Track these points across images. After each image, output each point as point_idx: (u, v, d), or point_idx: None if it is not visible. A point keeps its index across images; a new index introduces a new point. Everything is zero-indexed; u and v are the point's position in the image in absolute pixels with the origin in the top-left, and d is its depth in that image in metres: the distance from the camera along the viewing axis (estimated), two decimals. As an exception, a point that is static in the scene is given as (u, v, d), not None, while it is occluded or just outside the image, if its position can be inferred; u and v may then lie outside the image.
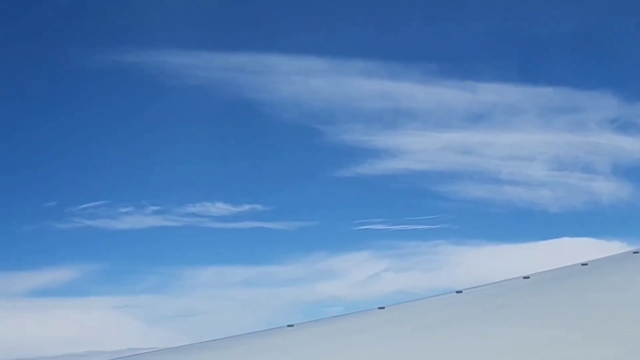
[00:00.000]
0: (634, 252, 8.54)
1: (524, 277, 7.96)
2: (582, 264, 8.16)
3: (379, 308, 7.60)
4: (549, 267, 8.68)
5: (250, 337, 7.10)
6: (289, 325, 7.30)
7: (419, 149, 30.33)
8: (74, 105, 32.74)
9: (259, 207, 31.34)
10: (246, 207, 31.07)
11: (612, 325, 5.34)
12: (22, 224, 33.47)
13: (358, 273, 31.12)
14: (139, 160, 31.83)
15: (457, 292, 7.84)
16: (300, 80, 30.73)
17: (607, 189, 28.90)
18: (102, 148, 32.35)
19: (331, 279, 31.18)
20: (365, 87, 30.55)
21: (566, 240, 28.51)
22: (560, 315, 5.99)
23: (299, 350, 6.07)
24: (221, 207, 30.96)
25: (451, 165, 31.08)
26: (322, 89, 30.50)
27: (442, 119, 30.28)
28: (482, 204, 31.80)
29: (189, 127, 32.60)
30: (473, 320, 6.58)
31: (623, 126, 28.72)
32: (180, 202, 32.13)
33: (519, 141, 29.56)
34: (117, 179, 32.94)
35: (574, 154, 29.67)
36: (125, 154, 31.88)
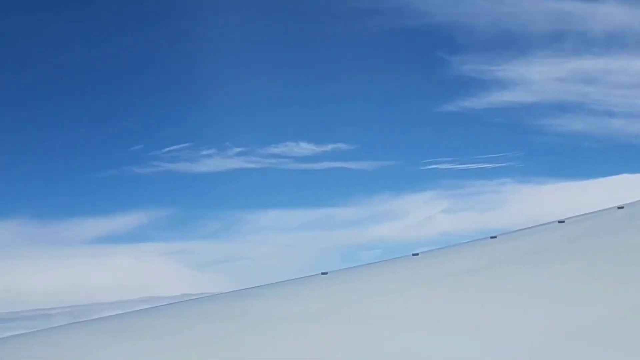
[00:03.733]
0: None
1: (559, 222, 7.89)
2: (619, 207, 8.04)
3: (413, 255, 7.62)
4: (608, 204, 8.50)
5: (283, 285, 7.20)
6: (323, 273, 7.38)
7: (540, 78, 29.07)
8: (166, 47, 32.12)
9: (342, 146, 30.73)
10: (330, 146, 30.48)
11: None
12: (105, 169, 33.73)
13: (416, 214, 30.83)
14: (227, 100, 31.10)
15: (492, 237, 7.81)
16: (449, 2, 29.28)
17: None
18: (193, 88, 31.68)
19: (388, 221, 30.93)
20: (519, 7, 29.03)
21: (625, 177, 27.71)
22: (594, 260, 5.94)
23: (332, 297, 6.14)
24: (305, 147, 30.40)
25: (565, 95, 29.79)
26: (471, 12, 29.11)
27: (580, 44, 28.64)
28: (578, 137, 30.67)
29: (285, 63, 31.54)
30: (506, 265, 6.58)
31: None
32: (264, 142, 31.66)
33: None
34: (204, 120, 32.35)
35: None
36: (215, 93, 31.15)
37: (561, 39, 29.48)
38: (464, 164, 30.84)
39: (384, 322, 4.77)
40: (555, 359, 3.57)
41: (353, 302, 5.70)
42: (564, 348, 3.68)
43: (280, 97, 31.56)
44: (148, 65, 32.68)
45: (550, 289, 5.18)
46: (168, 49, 32.31)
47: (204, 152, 30.70)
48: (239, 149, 30.60)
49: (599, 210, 8.38)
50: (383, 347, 4.02)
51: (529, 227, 8.45)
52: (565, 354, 3.61)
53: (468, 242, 8.40)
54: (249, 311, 5.85)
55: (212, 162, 30.64)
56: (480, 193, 31.01)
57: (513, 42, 29.98)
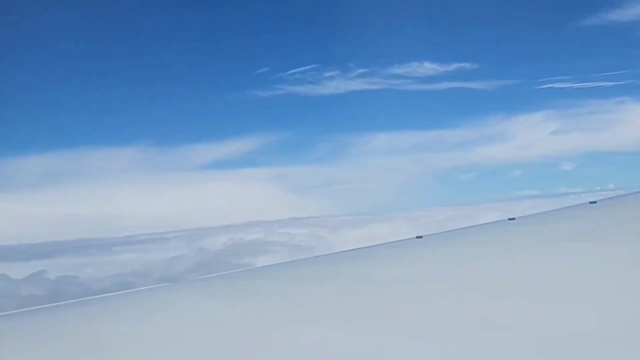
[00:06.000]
0: None
1: None
2: None
3: (509, 219, 7.55)
4: None
5: (376, 249, 7.24)
6: (417, 237, 7.40)
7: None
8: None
9: (467, 65, 30.11)
10: (454, 66, 29.93)
11: None
12: (229, 93, 34.30)
13: (524, 136, 30.21)
14: (353, 20, 30.59)
15: (591, 202, 7.66)
16: None
17: None
18: (320, 9, 31.25)
19: (495, 143, 30.34)
20: None
21: None
22: None
23: (427, 262, 6.15)
24: (428, 67, 29.94)
25: None
26: None
27: None
28: None
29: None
30: (606, 231, 6.46)
31: None
32: (387, 63, 31.43)
33: None
34: (330, 40, 32.06)
35: None
36: (341, 13, 30.64)
37: None
38: (582, 82, 29.75)
39: (478, 288, 4.76)
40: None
41: (447, 267, 5.70)
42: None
43: (408, 16, 30.89)
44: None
45: None
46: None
47: (328, 74, 30.73)
48: (362, 70, 30.48)
49: None
50: (475, 314, 4.01)
51: (630, 194, 8.24)
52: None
53: (566, 207, 8.24)
54: (341, 274, 5.91)
55: (335, 84, 30.69)
56: (594, 113, 29.94)
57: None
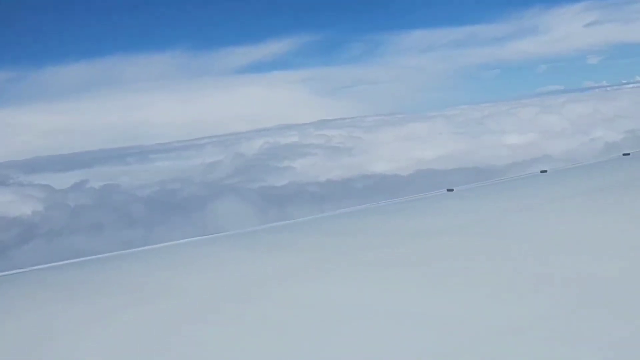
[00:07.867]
0: None
1: None
2: None
3: (541, 172, 7.48)
4: None
5: (408, 202, 7.22)
6: (448, 190, 7.37)
7: None
8: None
9: None
10: None
11: None
12: None
13: (559, 29, 29.49)
14: None
15: (625, 154, 7.55)
16: None
17: None
18: None
19: (528, 37, 29.59)
20: None
21: None
22: None
23: (459, 215, 6.14)
24: None
25: None
26: None
27: None
28: None
29: None
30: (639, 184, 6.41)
31: None
32: None
33: None
34: None
35: None
36: None
37: None
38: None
39: (510, 241, 4.76)
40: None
41: (479, 221, 5.68)
42: None
43: None
44: None
45: None
46: None
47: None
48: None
49: None
50: (508, 266, 4.03)
51: None
52: None
53: (598, 161, 8.14)
54: (373, 227, 5.91)
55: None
56: (634, 1, 28.74)
57: None
